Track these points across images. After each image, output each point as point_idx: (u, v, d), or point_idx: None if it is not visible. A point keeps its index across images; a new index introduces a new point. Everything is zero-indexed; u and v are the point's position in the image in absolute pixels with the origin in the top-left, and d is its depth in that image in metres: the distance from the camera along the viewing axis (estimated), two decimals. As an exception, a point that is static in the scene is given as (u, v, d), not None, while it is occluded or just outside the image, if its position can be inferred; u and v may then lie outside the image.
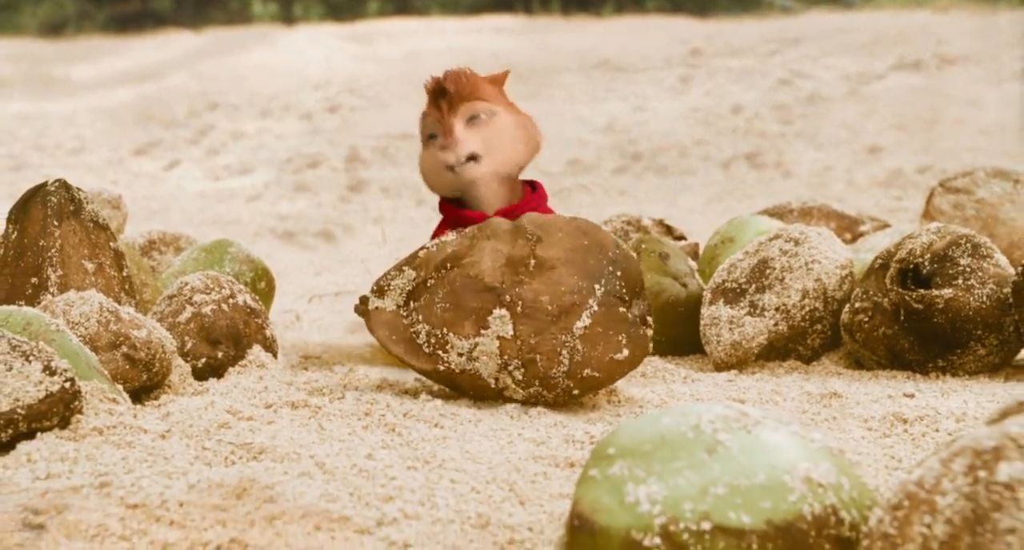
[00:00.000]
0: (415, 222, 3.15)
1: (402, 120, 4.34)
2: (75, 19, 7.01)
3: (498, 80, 1.31)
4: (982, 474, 0.60)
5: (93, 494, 0.77)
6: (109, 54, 6.01)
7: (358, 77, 4.96)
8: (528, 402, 1.09)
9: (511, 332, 1.07)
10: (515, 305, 1.07)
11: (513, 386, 1.08)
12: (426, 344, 1.09)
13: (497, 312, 1.07)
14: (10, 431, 0.92)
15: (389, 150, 4.02)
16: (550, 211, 1.26)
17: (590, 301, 1.07)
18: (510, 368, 1.08)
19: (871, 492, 0.67)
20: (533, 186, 1.33)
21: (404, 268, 1.12)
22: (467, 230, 1.10)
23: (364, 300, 1.14)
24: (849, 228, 1.80)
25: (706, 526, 0.63)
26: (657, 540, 0.63)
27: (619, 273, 1.08)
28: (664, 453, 0.66)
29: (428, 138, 1.26)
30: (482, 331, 1.08)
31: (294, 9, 6.91)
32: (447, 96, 1.25)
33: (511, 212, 1.22)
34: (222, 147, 4.31)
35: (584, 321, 1.06)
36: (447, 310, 1.08)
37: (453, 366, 1.09)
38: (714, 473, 0.64)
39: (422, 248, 1.12)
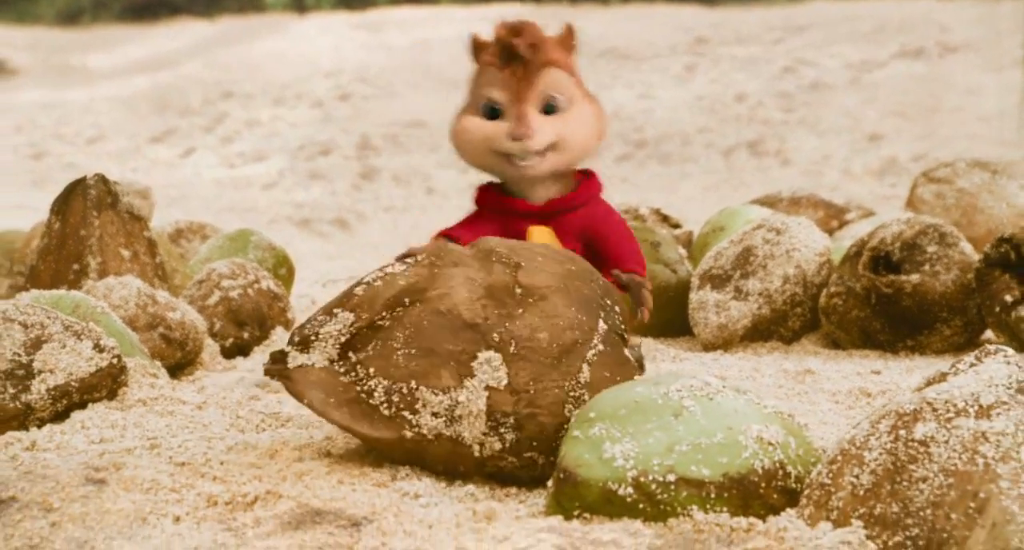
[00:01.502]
0: (425, 209, 3.26)
1: (412, 108, 4.45)
2: (91, 8, 7.12)
3: (567, 43, 1.02)
4: (902, 433, 0.71)
5: (145, 454, 0.89)
6: (124, 43, 6.13)
7: (368, 65, 5.07)
8: (512, 474, 0.85)
9: (505, 380, 0.83)
10: (507, 345, 0.83)
11: (500, 453, 0.84)
12: (385, 405, 0.83)
13: (484, 355, 0.83)
14: (64, 402, 1.03)
15: (399, 138, 4.13)
16: (605, 205, 1.04)
17: (594, 339, 0.85)
18: (502, 430, 0.83)
19: (815, 450, 0.78)
20: (586, 174, 1.07)
21: (336, 311, 0.85)
22: (420, 258, 0.87)
23: (279, 357, 0.85)
24: (836, 216, 1.90)
25: (671, 478, 0.74)
26: (630, 489, 0.74)
27: (616, 307, 0.89)
28: (637, 417, 0.77)
29: (484, 106, 0.99)
30: (465, 381, 0.83)
31: (306, -2, 7.01)
32: (522, 64, 0.98)
33: (562, 203, 1.01)
34: (236, 135, 4.42)
35: (588, 369, 0.85)
36: (413, 357, 0.83)
37: (425, 431, 0.83)
38: (679, 433, 0.75)
39: (357, 284, 0.86)
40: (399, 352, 0.84)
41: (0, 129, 4.62)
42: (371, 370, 0.84)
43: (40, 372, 1.02)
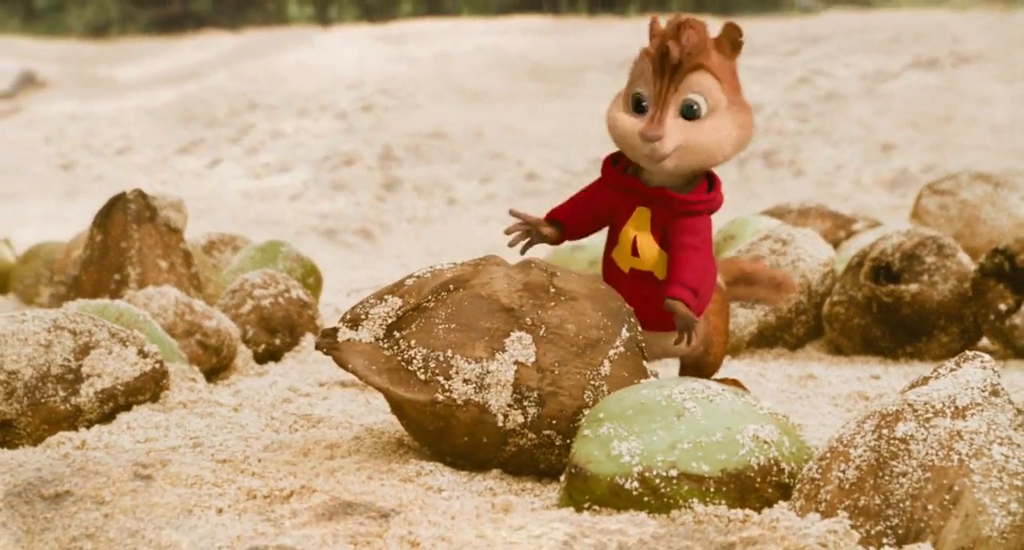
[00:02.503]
0: (447, 219, 3.33)
1: (433, 119, 4.53)
2: (118, 21, 7.24)
3: (726, 46, 1.02)
4: (885, 432, 0.77)
5: (189, 452, 0.96)
6: (151, 55, 6.23)
7: (391, 77, 5.15)
8: (530, 454, 0.93)
9: (533, 358, 0.91)
10: (537, 328, 0.92)
11: (521, 428, 0.91)
12: (422, 370, 0.91)
13: (516, 334, 0.92)
14: (111, 404, 1.11)
15: (421, 149, 4.21)
16: (700, 221, 1.03)
17: (616, 342, 0.93)
18: (525, 403, 0.91)
19: (807, 448, 0.85)
20: (711, 181, 1.06)
21: (386, 297, 0.94)
22: (466, 261, 0.97)
23: (330, 333, 0.94)
24: (844, 227, 1.96)
25: (673, 473, 0.81)
26: (635, 484, 0.81)
27: (639, 327, 0.97)
28: (643, 417, 0.83)
29: (633, 97, 1.02)
30: (497, 354, 0.91)
31: (329, 10, 7.10)
32: (671, 64, 0.99)
33: (663, 192, 1.02)
34: (262, 146, 4.51)
35: (608, 364, 0.93)
36: (452, 331, 0.92)
37: (456, 396, 0.90)
38: (681, 432, 0.82)
39: (408, 276, 0.96)
40: (440, 326, 0.92)
41: (31, 140, 4.72)
42: (412, 342, 0.92)
43: (88, 376, 1.09)
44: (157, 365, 1.14)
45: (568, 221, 1.05)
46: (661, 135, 0.99)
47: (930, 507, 0.73)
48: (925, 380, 0.82)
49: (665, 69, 0.99)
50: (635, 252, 1.02)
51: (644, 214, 1.03)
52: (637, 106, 1.01)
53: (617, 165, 1.06)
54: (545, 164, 3.94)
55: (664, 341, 1.05)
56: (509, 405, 0.90)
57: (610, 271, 1.05)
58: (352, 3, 7.19)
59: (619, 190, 1.04)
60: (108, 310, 1.23)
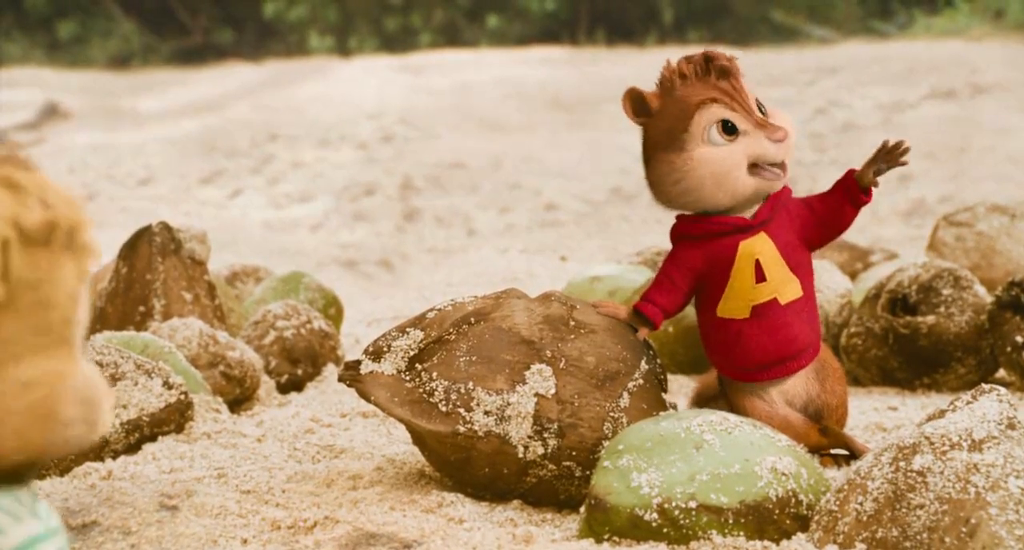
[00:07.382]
0: (466, 250, 3.35)
1: (452, 150, 4.56)
2: (141, 52, 7.32)
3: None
4: (902, 464, 0.78)
5: (213, 483, 0.97)
6: (173, 86, 6.29)
7: (411, 108, 5.18)
8: (550, 485, 0.94)
9: (553, 390, 0.92)
10: (557, 361, 0.93)
11: (541, 460, 0.92)
12: (444, 402, 0.92)
13: (536, 366, 0.93)
14: (137, 435, 1.13)
15: (441, 179, 4.23)
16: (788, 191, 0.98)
17: (635, 374, 0.95)
18: (545, 435, 0.92)
19: (825, 480, 0.86)
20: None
21: (408, 330, 0.95)
22: (487, 294, 0.98)
23: (353, 365, 0.95)
24: (860, 258, 1.97)
25: (693, 505, 0.82)
26: (655, 515, 0.82)
27: (657, 359, 0.99)
28: (662, 449, 0.84)
29: (723, 126, 0.93)
30: (517, 386, 0.92)
31: (350, 42, 7.17)
32: (729, 72, 0.93)
33: (769, 210, 0.96)
34: (283, 176, 4.54)
35: (628, 396, 0.94)
36: (473, 363, 0.93)
37: (477, 427, 0.91)
38: (700, 464, 0.83)
39: (430, 309, 0.97)
40: (461, 359, 0.93)
41: (54, 171, 4.77)
42: (434, 374, 0.93)
43: (115, 407, 1.11)
44: (182, 396, 1.16)
45: (665, 311, 0.97)
46: (783, 125, 0.92)
47: (947, 539, 0.74)
48: (942, 413, 0.83)
49: (731, 78, 0.93)
50: (761, 276, 0.94)
51: (756, 242, 0.95)
52: (729, 132, 0.93)
53: (690, 219, 0.97)
54: (564, 194, 3.96)
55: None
56: (529, 437, 0.92)
57: (719, 332, 0.97)
58: (372, 34, 7.26)
59: (713, 238, 0.95)
60: (134, 342, 1.25)
